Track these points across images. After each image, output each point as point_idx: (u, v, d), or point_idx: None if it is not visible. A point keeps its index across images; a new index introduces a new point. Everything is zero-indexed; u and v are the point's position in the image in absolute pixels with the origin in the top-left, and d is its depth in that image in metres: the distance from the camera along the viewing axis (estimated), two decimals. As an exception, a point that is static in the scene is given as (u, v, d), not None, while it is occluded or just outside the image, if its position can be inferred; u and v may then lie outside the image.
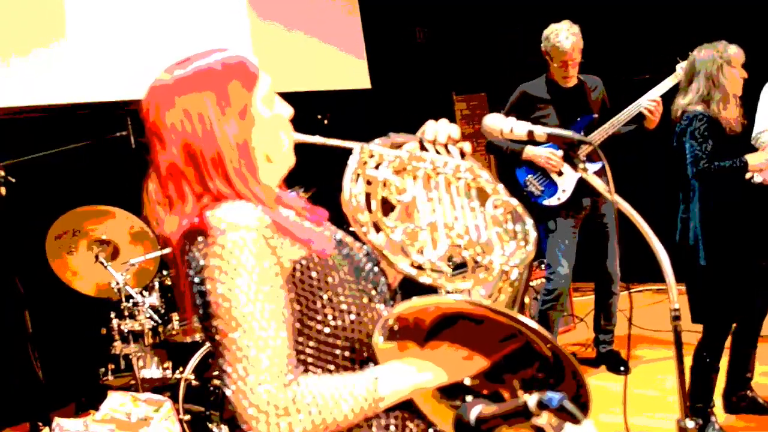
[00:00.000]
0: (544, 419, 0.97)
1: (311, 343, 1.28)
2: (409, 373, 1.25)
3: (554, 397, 0.97)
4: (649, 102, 3.83)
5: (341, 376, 1.24)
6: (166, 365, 3.56)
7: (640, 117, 3.89)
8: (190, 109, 1.28)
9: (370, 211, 1.30)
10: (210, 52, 1.36)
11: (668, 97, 3.54)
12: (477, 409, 1.09)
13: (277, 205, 1.32)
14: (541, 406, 0.98)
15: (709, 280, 3.15)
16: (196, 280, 1.22)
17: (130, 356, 3.49)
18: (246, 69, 1.35)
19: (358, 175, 1.33)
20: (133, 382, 3.50)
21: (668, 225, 3.27)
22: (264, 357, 1.16)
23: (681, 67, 3.79)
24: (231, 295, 1.18)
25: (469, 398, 1.29)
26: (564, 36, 4.00)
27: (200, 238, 1.22)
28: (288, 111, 1.42)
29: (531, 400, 0.99)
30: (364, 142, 1.39)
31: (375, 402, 1.22)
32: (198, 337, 3.67)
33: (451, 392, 1.30)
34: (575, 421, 0.98)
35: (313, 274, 1.27)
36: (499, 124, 1.67)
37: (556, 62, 4.08)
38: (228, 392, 1.18)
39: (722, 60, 3.19)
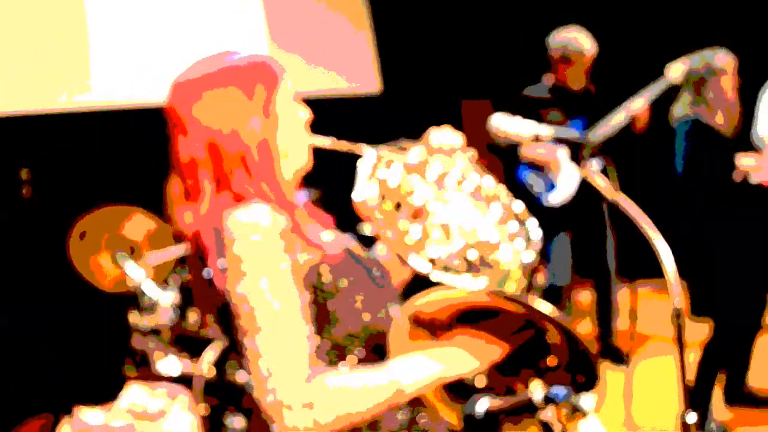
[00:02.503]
0: (550, 413, 1.02)
1: (324, 346, 1.33)
2: (429, 365, 1.28)
3: (560, 391, 1.01)
4: (637, 104, 3.88)
5: (362, 369, 1.28)
6: (183, 359, 3.62)
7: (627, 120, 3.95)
8: (216, 104, 1.33)
9: (382, 212, 1.37)
10: (235, 52, 1.42)
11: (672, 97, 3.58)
12: (484, 403, 1.14)
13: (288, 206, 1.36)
14: (547, 400, 1.01)
15: (709, 276, 3.21)
16: (219, 279, 1.26)
17: (148, 350, 3.56)
18: (271, 69, 1.40)
19: (371, 176, 1.39)
20: (150, 375, 3.56)
21: (672, 222, 3.31)
22: (287, 354, 1.20)
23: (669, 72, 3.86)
24: (252, 295, 1.22)
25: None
26: (585, 39, 4.09)
27: (219, 239, 1.26)
28: (306, 114, 1.47)
29: (537, 394, 1.03)
30: (374, 145, 1.47)
31: (397, 393, 1.25)
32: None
33: (462, 394, 1.34)
34: (582, 415, 1.03)
35: (325, 278, 1.32)
36: (504, 124, 1.71)
37: (575, 65, 4.11)
38: (252, 390, 1.23)
39: (705, 72, 3.23)
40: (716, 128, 3.18)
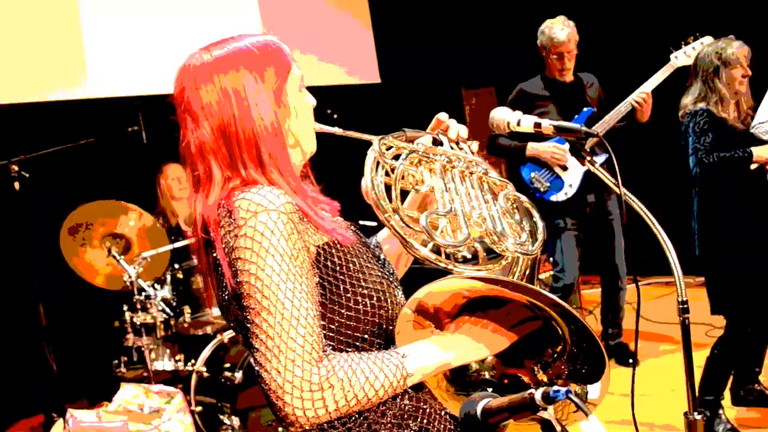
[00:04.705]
0: (550, 412, 0.98)
1: (333, 326, 1.30)
2: (434, 352, 1.28)
3: (561, 390, 0.97)
4: (638, 95, 3.84)
5: (370, 353, 1.26)
6: (178, 357, 3.59)
7: (632, 110, 3.90)
8: (229, 88, 1.30)
9: (389, 200, 1.35)
10: (244, 36, 1.38)
11: (675, 91, 3.52)
12: (483, 402, 1.10)
13: (300, 191, 1.34)
14: (548, 399, 0.98)
15: (724, 272, 3.14)
16: (227, 260, 1.24)
17: (143, 348, 3.53)
18: (283, 56, 1.37)
19: (378, 164, 1.37)
20: (145, 374, 3.53)
21: (678, 218, 3.26)
22: (297, 335, 1.18)
23: (675, 56, 3.81)
24: (263, 275, 1.20)
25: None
26: (559, 28, 4.09)
27: (230, 220, 1.23)
28: (313, 101, 1.45)
29: (537, 393, 1.00)
30: (381, 134, 1.43)
31: (403, 378, 1.24)
32: (209, 329, 3.69)
33: (467, 385, 1.33)
34: (583, 414, 0.99)
35: (336, 260, 1.30)
36: (506, 117, 1.67)
37: (552, 54, 4.12)
38: (260, 370, 1.20)
39: (719, 62, 3.17)
40: (727, 121, 3.12)
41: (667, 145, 3.87)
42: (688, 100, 3.27)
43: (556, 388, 0.98)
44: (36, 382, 3.94)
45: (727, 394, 3.35)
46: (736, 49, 3.19)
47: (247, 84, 1.31)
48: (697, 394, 1.45)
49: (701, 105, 3.18)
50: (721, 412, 3.23)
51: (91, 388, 4.12)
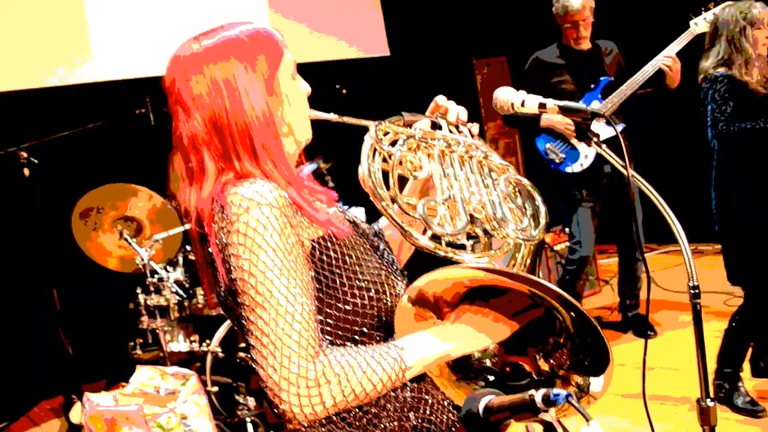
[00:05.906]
0: (552, 414, 0.96)
1: (330, 321, 1.28)
2: (433, 343, 1.26)
3: (561, 393, 0.95)
4: (665, 58, 3.73)
5: (367, 347, 1.24)
6: (192, 338, 3.61)
7: (658, 77, 3.79)
8: (219, 79, 1.27)
9: (387, 187, 1.32)
10: (235, 24, 1.36)
11: (692, 58, 3.42)
12: (485, 400, 1.08)
13: (295, 182, 1.31)
14: (548, 402, 0.96)
15: (742, 245, 3.07)
16: (221, 256, 1.23)
17: (158, 330, 3.54)
18: (274, 44, 1.35)
19: (375, 150, 1.34)
20: (161, 355, 3.55)
21: (700, 185, 3.18)
22: (292, 331, 1.17)
23: (695, 23, 3.69)
24: (257, 271, 1.18)
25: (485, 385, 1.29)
26: None
27: (222, 215, 1.22)
28: (307, 88, 1.42)
29: (538, 395, 0.98)
30: (382, 113, 1.42)
31: (402, 371, 1.22)
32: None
33: (469, 373, 1.31)
34: (584, 418, 0.97)
35: (332, 254, 1.28)
36: (510, 98, 1.62)
37: (567, 23, 4.02)
38: (256, 367, 1.19)
39: (745, 22, 3.06)
40: (749, 84, 3.02)
41: (689, 112, 3.77)
42: (708, 64, 3.16)
43: (556, 390, 0.96)
44: (55, 365, 3.98)
45: (746, 365, 3.31)
46: (761, 9, 3.09)
47: (238, 74, 1.28)
48: (709, 379, 1.42)
49: (721, 70, 3.08)
50: (740, 384, 3.20)
51: (110, 369, 4.17)
